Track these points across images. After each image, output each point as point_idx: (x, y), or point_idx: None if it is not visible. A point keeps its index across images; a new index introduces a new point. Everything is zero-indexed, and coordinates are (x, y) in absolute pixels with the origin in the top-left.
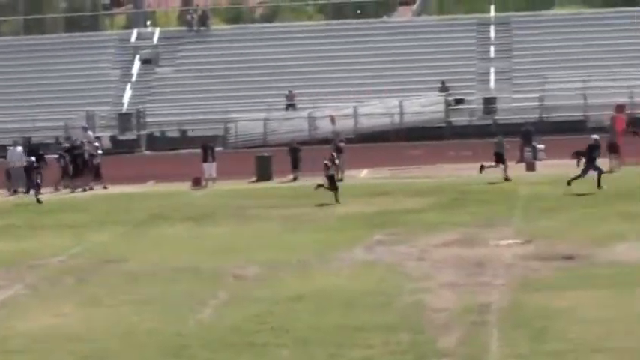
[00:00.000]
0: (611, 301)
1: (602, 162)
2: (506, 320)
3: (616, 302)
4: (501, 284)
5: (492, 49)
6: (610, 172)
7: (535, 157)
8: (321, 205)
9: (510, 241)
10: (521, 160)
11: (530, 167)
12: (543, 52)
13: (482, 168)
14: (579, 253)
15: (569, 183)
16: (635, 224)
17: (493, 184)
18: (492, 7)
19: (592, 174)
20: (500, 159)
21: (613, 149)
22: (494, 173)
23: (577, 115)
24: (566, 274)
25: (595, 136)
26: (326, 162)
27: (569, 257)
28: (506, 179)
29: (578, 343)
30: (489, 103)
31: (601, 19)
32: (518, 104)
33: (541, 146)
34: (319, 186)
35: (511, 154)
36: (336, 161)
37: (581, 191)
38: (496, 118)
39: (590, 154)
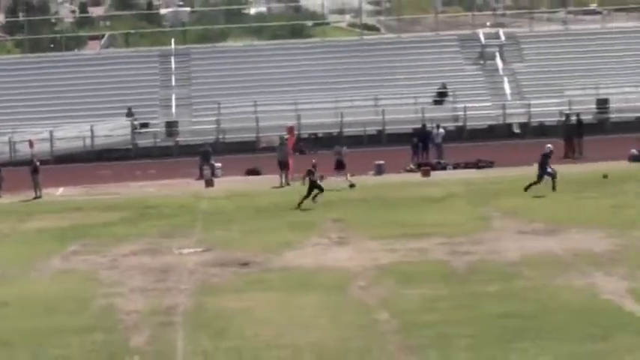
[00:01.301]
0: (283, 302)
1: (275, 178)
2: (190, 321)
3: (287, 303)
4: (185, 289)
5: (173, 78)
6: (280, 186)
7: (213, 174)
8: (22, 220)
9: (192, 249)
10: (200, 177)
11: (209, 183)
12: (219, 80)
13: (348, 178)
14: (254, 260)
15: (526, 189)
16: (302, 233)
17: (176, 199)
18: (173, 41)
19: (547, 179)
20: (341, 166)
21: (283, 166)
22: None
23: (250, 136)
24: (243, 278)
25: (549, 145)
26: (309, 169)
27: (245, 264)
28: (352, 185)
29: (255, 340)
30: (171, 126)
31: (271, 50)
32: (197, 127)
33: (218, 164)
34: (299, 205)
35: (191, 171)
36: (315, 167)
37: (262, 204)
38: (177, 139)
39: (543, 162)
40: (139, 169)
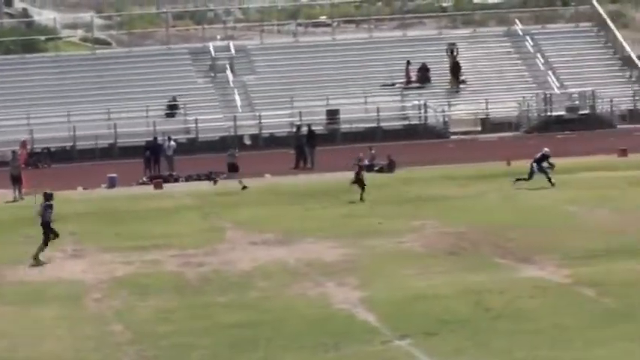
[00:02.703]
0: (18, 315)
1: (8, 192)
2: None
3: (23, 316)
4: None
5: None
6: (14, 200)
7: None
8: None
9: None
10: None
11: None
12: None
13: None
14: None
15: (552, 184)
16: (33, 246)
17: None
18: None
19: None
20: (234, 169)
21: (16, 180)
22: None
23: None
24: None
25: (547, 149)
26: (360, 164)
27: None
28: (244, 187)
29: None
30: None
31: (3, 65)
32: None
33: None
34: (353, 182)
35: None
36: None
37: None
38: None
39: (541, 161)
40: None
